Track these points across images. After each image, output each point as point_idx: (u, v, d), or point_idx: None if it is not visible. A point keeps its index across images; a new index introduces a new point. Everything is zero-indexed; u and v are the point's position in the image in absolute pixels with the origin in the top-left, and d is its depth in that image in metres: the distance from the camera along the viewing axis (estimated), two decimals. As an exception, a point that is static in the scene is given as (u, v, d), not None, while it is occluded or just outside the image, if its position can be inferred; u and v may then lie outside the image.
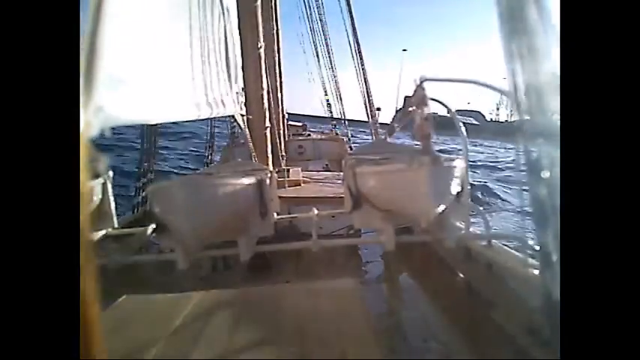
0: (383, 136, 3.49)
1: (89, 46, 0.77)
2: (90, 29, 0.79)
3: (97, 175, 2.30)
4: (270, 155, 3.72)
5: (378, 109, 8.51)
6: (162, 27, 1.56)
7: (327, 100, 11.04)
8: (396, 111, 2.25)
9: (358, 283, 1.56)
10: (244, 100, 3.30)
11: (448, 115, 2.05)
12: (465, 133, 2.07)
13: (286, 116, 8.76)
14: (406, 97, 2.06)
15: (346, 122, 10.01)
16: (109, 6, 0.90)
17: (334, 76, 10.04)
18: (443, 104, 2.02)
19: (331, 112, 10.91)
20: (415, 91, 1.89)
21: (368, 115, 7.21)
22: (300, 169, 4.82)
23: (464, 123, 2.07)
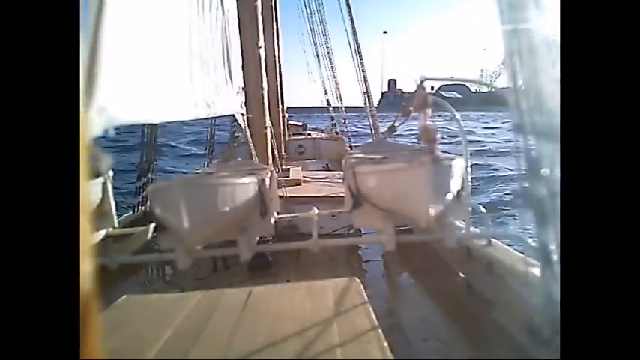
0: (382, 136, 3.49)
1: (92, 46, 0.77)
2: (92, 29, 0.79)
3: (97, 175, 2.30)
4: (270, 155, 3.72)
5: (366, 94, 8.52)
6: (162, 26, 1.56)
7: (328, 100, 11.04)
8: (397, 110, 2.24)
9: (358, 281, 1.56)
10: (244, 100, 3.30)
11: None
12: (464, 132, 2.06)
13: (286, 116, 8.76)
14: (407, 95, 2.06)
15: (344, 118, 9.99)
16: (111, 6, 0.90)
17: (334, 76, 10.05)
18: (445, 104, 2.02)
19: (330, 109, 10.90)
20: (416, 91, 1.89)
21: (368, 114, 7.20)
22: (300, 168, 4.82)
23: (448, 97, 2.06)
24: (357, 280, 1.54)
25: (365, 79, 7.27)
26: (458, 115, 2.06)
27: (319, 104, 12.12)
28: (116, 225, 2.53)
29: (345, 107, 10.34)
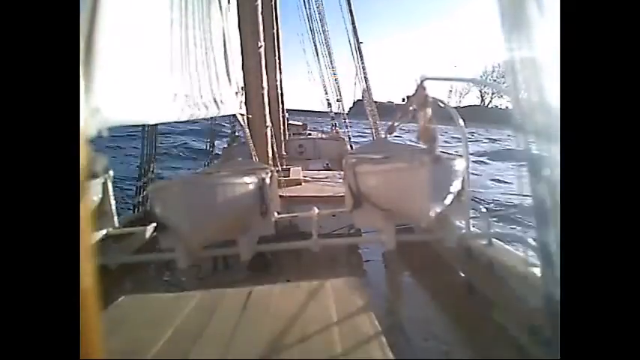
0: (383, 135, 3.49)
1: (85, 48, 0.77)
2: (86, 32, 0.79)
3: (97, 175, 2.31)
4: (270, 154, 3.72)
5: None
6: (158, 27, 1.56)
7: (328, 100, 11.06)
8: (397, 109, 2.25)
9: (358, 281, 1.56)
10: (244, 100, 3.30)
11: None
12: (465, 131, 2.07)
13: (286, 115, 8.77)
14: (407, 96, 2.06)
15: (346, 120, 10.04)
16: (106, 6, 0.90)
17: (334, 75, 10.07)
18: (444, 103, 2.02)
19: (331, 109, 10.96)
20: (416, 90, 1.89)
21: (368, 113, 7.20)
22: (300, 168, 4.82)
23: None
24: (357, 280, 1.54)
25: (365, 79, 7.26)
26: (459, 116, 2.06)
27: (319, 108, 12.22)
28: (116, 225, 2.53)
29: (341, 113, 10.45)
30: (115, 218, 2.52)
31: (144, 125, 4.02)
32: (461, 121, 2.05)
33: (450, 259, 2.57)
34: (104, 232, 2.41)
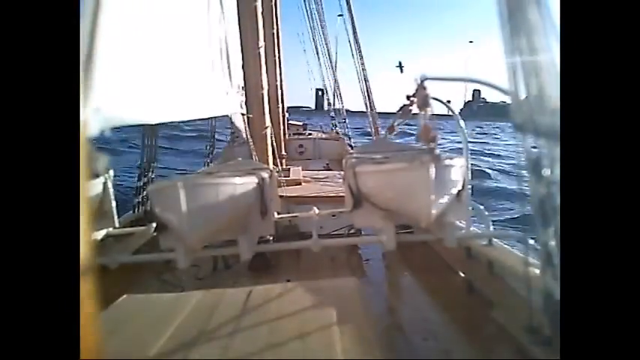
0: (383, 136, 3.49)
1: (87, 45, 0.77)
2: (88, 29, 0.79)
3: (97, 175, 2.30)
4: (270, 154, 3.72)
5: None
6: (161, 26, 1.56)
7: (328, 99, 11.09)
8: (397, 111, 2.24)
9: (358, 281, 1.56)
10: (244, 100, 3.30)
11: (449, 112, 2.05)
12: (465, 133, 2.07)
13: (287, 115, 8.79)
14: (407, 95, 2.06)
15: (345, 117, 10.08)
16: (108, 5, 0.90)
17: (334, 74, 10.09)
18: (445, 104, 2.02)
19: (329, 106, 11.02)
20: (416, 90, 1.89)
21: (369, 114, 7.19)
22: (300, 168, 4.83)
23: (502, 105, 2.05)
24: (357, 280, 1.54)
25: (365, 79, 7.25)
26: (458, 115, 2.06)
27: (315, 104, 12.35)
28: (117, 225, 2.53)
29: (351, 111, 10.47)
30: (116, 218, 2.51)
31: (144, 125, 4.02)
32: (462, 122, 2.05)
33: (449, 259, 2.58)
34: (104, 232, 2.40)
